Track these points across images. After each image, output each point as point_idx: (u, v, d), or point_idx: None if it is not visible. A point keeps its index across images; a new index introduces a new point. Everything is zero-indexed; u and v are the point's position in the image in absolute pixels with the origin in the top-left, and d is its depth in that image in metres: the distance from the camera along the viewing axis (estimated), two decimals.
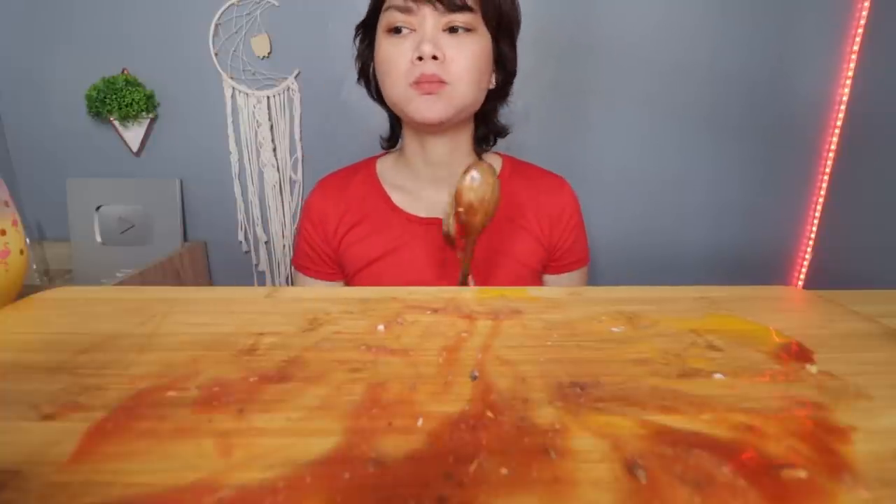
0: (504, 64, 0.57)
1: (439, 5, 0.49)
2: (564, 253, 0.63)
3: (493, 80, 0.57)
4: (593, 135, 1.00)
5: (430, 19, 0.50)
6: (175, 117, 1.00)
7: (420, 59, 0.49)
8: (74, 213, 1.01)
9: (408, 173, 0.62)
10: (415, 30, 0.51)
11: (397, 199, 0.61)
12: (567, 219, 0.63)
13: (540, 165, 0.66)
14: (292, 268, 1.04)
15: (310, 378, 0.20)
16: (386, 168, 0.64)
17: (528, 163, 0.66)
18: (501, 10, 0.52)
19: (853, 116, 0.94)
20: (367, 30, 0.57)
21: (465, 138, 0.60)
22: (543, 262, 0.62)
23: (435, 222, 0.59)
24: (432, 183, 0.60)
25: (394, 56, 0.51)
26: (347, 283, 0.63)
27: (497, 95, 0.59)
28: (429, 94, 0.51)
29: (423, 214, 0.60)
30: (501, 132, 0.64)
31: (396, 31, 0.51)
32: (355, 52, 0.60)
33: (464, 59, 0.51)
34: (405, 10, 0.50)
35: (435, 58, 0.49)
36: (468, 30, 0.51)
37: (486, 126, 0.62)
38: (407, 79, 0.51)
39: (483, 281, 0.57)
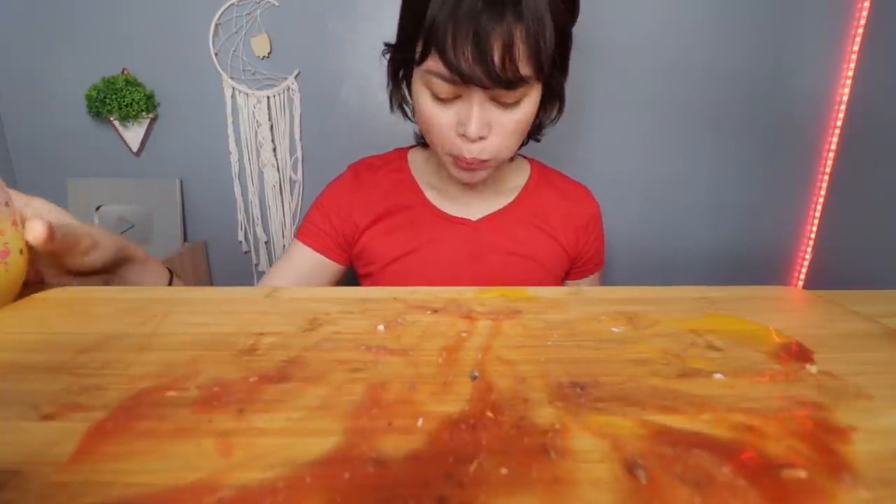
0: (554, 95, 0.52)
1: (490, 83, 0.42)
2: (586, 261, 0.64)
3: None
4: (593, 134, 0.99)
5: (479, 94, 0.44)
6: (175, 117, 1.00)
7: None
8: (74, 213, 1.00)
9: (440, 175, 0.60)
10: (460, 96, 0.45)
11: (429, 194, 0.59)
12: (592, 228, 0.63)
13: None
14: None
15: (310, 378, 0.20)
16: (418, 162, 0.62)
17: (554, 170, 0.65)
18: (554, 60, 0.46)
19: (853, 116, 0.94)
20: (400, 56, 0.51)
21: None
22: (566, 269, 0.63)
23: (465, 222, 0.58)
24: (466, 187, 0.59)
25: (436, 122, 0.47)
26: (368, 280, 0.61)
27: (548, 120, 0.56)
28: (469, 170, 0.49)
29: (453, 213, 0.58)
30: (535, 132, 0.59)
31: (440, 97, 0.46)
32: (386, 74, 0.55)
33: (510, 128, 0.47)
34: (453, 83, 0.44)
35: (482, 137, 0.46)
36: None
37: None
38: (450, 149, 0.48)
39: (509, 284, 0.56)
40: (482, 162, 0.48)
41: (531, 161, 0.64)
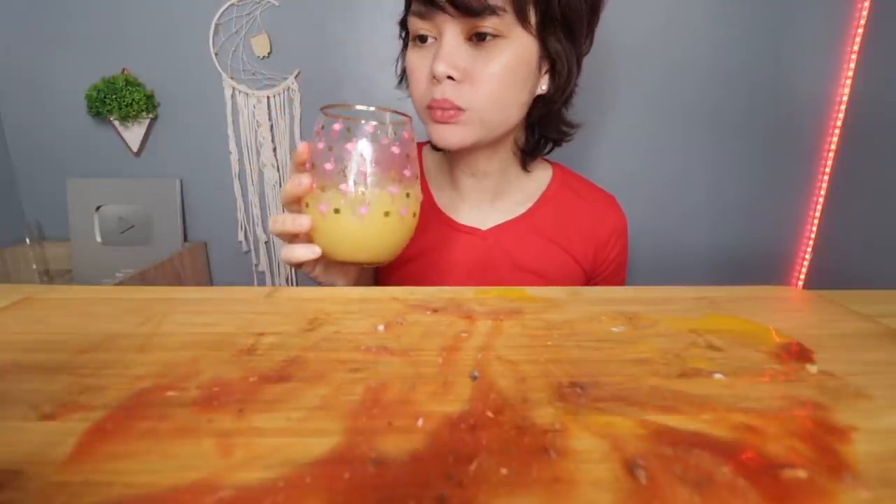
0: (554, 64, 0.47)
1: (455, 11, 0.41)
2: (604, 279, 0.58)
3: (545, 85, 0.48)
4: (594, 135, 0.99)
5: (450, 27, 0.42)
6: (175, 117, 1.00)
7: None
8: (74, 213, 1.01)
9: (450, 177, 0.56)
10: (437, 38, 0.44)
11: (439, 198, 0.56)
12: (614, 243, 0.57)
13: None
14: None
15: (310, 378, 0.20)
16: (430, 162, 0.58)
17: (579, 176, 0.59)
18: (551, 16, 0.43)
19: (853, 116, 0.94)
20: (405, 30, 0.51)
21: (506, 148, 0.53)
22: (581, 285, 0.56)
23: (474, 232, 0.54)
24: (474, 193, 0.55)
25: (414, 70, 0.46)
26: (377, 281, 0.59)
27: (551, 100, 0.50)
28: (444, 122, 0.45)
29: (462, 220, 0.55)
30: (558, 139, 0.54)
31: (421, 39, 0.45)
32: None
33: (486, 76, 0.43)
34: (424, 17, 0.43)
35: (451, 77, 0.43)
36: (497, 36, 0.42)
37: (537, 134, 0.53)
38: (424, 99, 0.46)
39: None
40: (457, 110, 0.44)
41: (554, 166, 0.59)
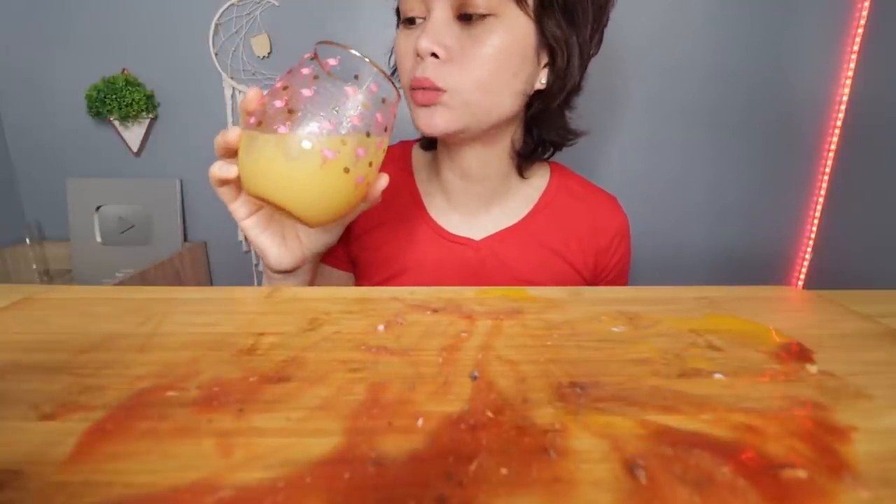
0: (554, 55, 0.43)
1: None
2: (606, 284, 0.55)
3: (544, 78, 0.45)
4: (594, 135, 0.99)
5: (439, 3, 0.40)
6: (175, 117, 1.00)
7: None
8: (74, 213, 1.01)
9: (439, 179, 0.52)
10: (426, 18, 0.42)
11: (429, 204, 0.52)
12: (616, 247, 0.53)
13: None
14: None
15: (310, 378, 0.20)
16: (420, 163, 0.55)
17: (578, 177, 0.56)
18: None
19: (853, 116, 0.94)
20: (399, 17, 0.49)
21: (502, 149, 0.49)
22: None
23: (467, 242, 0.51)
24: (465, 198, 0.51)
25: (401, 51, 0.44)
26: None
27: (549, 94, 0.46)
28: (424, 105, 0.42)
29: (454, 230, 0.51)
30: (559, 142, 0.51)
31: (411, 21, 0.43)
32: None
33: (474, 57, 0.40)
34: None
35: (436, 55, 0.40)
36: (489, 14, 0.40)
37: (535, 134, 0.50)
38: (408, 78, 0.43)
39: None
40: (436, 90, 0.41)
41: (552, 166, 0.56)
